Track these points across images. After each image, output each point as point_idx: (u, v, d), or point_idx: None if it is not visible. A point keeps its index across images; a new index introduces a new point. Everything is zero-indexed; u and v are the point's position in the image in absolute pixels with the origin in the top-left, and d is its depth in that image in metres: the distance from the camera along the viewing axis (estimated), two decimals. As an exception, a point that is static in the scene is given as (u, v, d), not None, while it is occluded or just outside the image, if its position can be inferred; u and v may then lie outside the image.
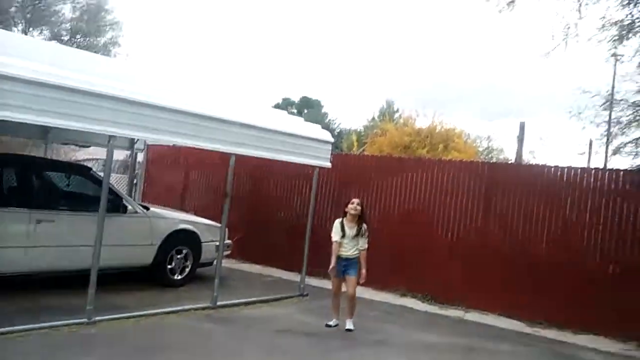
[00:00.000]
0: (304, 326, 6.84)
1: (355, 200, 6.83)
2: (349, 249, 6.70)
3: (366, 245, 6.76)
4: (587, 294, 7.80)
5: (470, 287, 8.60)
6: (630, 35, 8.18)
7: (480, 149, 20.99)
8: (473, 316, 8.28)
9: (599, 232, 7.94)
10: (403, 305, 8.58)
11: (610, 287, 7.70)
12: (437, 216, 9.20)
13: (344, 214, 6.82)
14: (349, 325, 6.74)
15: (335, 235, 6.74)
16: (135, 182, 12.06)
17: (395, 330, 7.10)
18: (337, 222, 6.81)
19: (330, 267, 6.72)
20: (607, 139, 11.42)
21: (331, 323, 6.79)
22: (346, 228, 6.71)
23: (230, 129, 7.00)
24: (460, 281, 8.70)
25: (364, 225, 6.79)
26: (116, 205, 7.20)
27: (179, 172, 12.41)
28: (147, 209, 7.96)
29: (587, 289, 7.82)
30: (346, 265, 6.70)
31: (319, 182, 9.14)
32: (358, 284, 6.74)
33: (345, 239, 6.69)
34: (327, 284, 7.24)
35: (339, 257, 6.69)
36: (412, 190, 9.48)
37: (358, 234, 6.70)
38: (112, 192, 7.04)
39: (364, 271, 6.67)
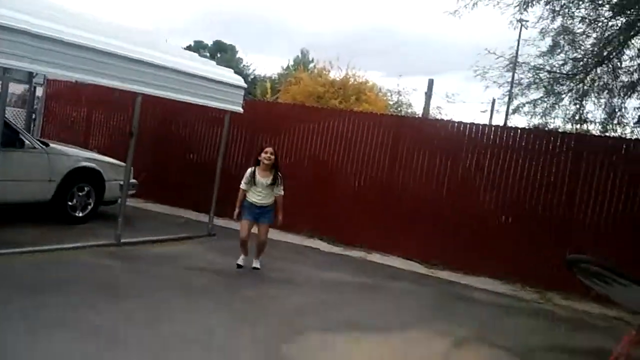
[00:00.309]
0: (211, 264, 6.89)
1: (269, 150, 6.68)
2: (263, 197, 6.63)
3: (282, 192, 6.71)
4: (481, 240, 8.34)
5: (373, 231, 8.96)
6: (534, 2, 8.56)
7: (391, 103, 21.44)
8: (375, 257, 8.64)
9: (496, 183, 8.44)
10: (309, 246, 8.83)
11: (502, 234, 8.28)
12: (345, 164, 9.41)
13: (256, 163, 6.70)
14: (256, 264, 6.82)
15: (243, 183, 6.67)
16: (33, 117, 11.41)
17: (301, 270, 7.30)
18: (249, 170, 6.70)
19: (235, 213, 6.70)
20: (509, 99, 11.99)
21: (240, 262, 6.70)
22: (258, 177, 6.59)
23: (136, 67, 6.72)
24: (364, 225, 9.04)
25: (279, 174, 6.70)
26: (12, 139, 6.86)
27: (82, 109, 11.83)
28: (47, 145, 7.62)
29: (481, 235, 8.36)
30: (260, 213, 6.65)
31: (231, 127, 9.04)
32: (276, 227, 6.74)
33: (259, 187, 6.58)
34: (236, 225, 7.28)
35: (252, 205, 6.62)
36: (322, 138, 9.61)
37: (274, 183, 6.62)
38: (7, 126, 6.65)
39: (280, 217, 6.68)
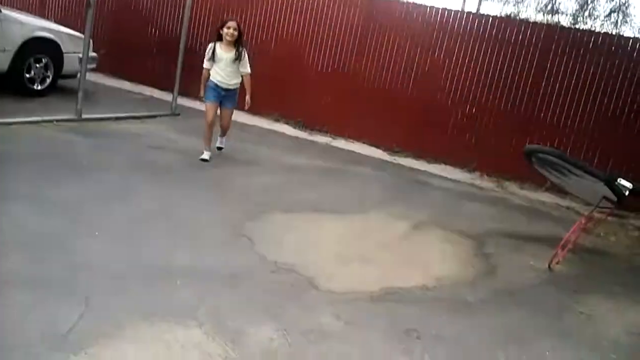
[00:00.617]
0: (175, 143, 6.82)
1: (232, 24, 6.04)
2: (228, 79, 6.15)
3: (249, 70, 6.22)
4: (444, 129, 8.47)
5: (338, 117, 8.97)
6: None
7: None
8: (339, 143, 8.73)
9: (462, 73, 8.40)
10: (275, 130, 8.82)
11: (464, 125, 8.40)
12: (312, 47, 9.19)
13: (218, 38, 6.16)
14: (220, 143, 6.69)
15: (205, 61, 6.18)
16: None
17: (266, 152, 7.32)
18: (210, 45, 6.18)
19: (201, 93, 6.28)
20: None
21: (205, 157, 6.22)
22: (221, 52, 6.08)
23: None
24: (329, 110, 9.03)
25: (243, 50, 6.16)
26: (-41, 3, 6.42)
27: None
28: (-1, 11, 7.17)
29: (444, 124, 8.47)
30: (225, 96, 6.22)
31: (194, 2, 8.62)
32: (244, 109, 6.44)
33: (222, 64, 6.09)
34: (200, 106, 7.14)
35: (217, 86, 6.17)
36: (290, 19, 9.30)
37: (237, 59, 6.09)
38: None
39: (248, 97, 6.23)
